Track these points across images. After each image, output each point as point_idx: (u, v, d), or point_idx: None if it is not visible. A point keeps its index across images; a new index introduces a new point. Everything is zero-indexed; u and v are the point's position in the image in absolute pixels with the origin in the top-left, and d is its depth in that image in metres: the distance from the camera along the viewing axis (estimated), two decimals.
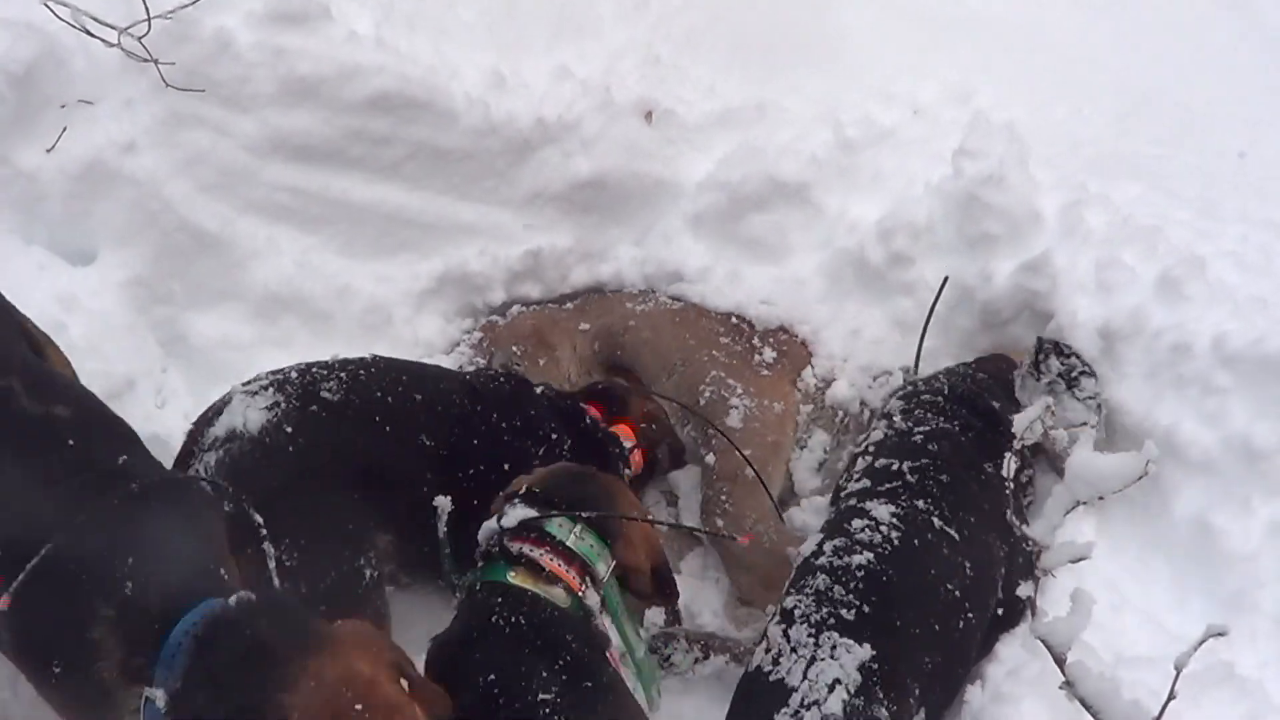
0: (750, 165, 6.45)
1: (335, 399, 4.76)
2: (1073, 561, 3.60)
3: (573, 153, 6.39)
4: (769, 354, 6.11)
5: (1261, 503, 5.13)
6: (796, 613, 4.41)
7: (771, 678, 4.27)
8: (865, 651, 4.20)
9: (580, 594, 4.28)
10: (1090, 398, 5.49)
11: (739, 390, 5.90)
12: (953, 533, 4.66)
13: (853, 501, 4.88)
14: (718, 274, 6.38)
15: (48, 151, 5.92)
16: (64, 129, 5.96)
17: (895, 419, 5.28)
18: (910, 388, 5.59)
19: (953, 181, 6.22)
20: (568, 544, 4.34)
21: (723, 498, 5.71)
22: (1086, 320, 5.78)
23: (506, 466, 4.97)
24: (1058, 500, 3.56)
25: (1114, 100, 7.49)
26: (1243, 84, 7.75)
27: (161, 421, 5.34)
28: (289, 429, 4.59)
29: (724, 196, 6.45)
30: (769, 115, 6.85)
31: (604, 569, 4.40)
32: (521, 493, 4.51)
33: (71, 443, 3.89)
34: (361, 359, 5.08)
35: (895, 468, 4.93)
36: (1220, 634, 3.46)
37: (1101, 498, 3.59)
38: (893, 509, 4.72)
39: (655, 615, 5.48)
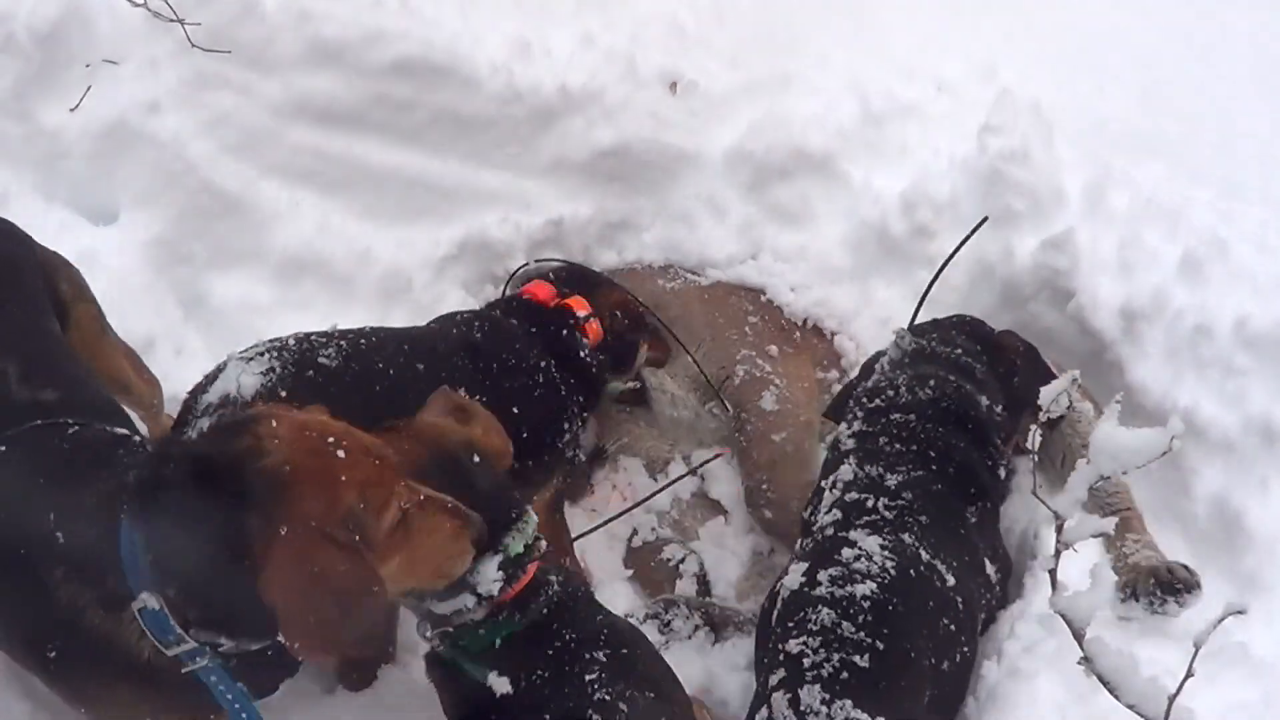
0: (775, 135, 6.44)
1: (333, 365, 4.53)
2: (1094, 537, 3.58)
3: (596, 122, 6.36)
4: (796, 334, 6.12)
5: None
6: (806, 662, 4.12)
7: None
8: None
9: None
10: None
11: (769, 369, 5.90)
12: (941, 568, 4.48)
13: (831, 531, 4.61)
14: (744, 248, 6.38)
15: (71, 110, 5.96)
16: (88, 88, 5.99)
17: (864, 459, 4.88)
18: (886, 395, 5.13)
19: (977, 157, 6.23)
20: None
21: (764, 487, 5.71)
22: (1108, 299, 5.79)
23: (515, 410, 4.84)
24: (1081, 474, 3.54)
25: (1138, 79, 7.47)
26: (1267, 65, 7.73)
27: (182, 382, 5.35)
28: (283, 394, 4.30)
29: (749, 165, 6.45)
30: (794, 87, 6.83)
31: None
32: None
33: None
34: (362, 329, 4.89)
35: (870, 504, 4.66)
36: (1239, 612, 3.44)
37: (1125, 472, 3.56)
38: (880, 540, 4.46)
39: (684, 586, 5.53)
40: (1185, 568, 4.94)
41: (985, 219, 5.94)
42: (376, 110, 6.21)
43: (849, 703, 3.98)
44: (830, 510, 4.72)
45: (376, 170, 6.22)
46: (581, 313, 5.53)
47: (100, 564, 3.43)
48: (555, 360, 5.25)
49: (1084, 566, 3.81)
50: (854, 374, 5.71)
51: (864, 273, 6.29)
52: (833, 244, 6.36)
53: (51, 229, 5.39)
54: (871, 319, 6.14)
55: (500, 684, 3.76)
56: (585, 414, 5.44)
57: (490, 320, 5.30)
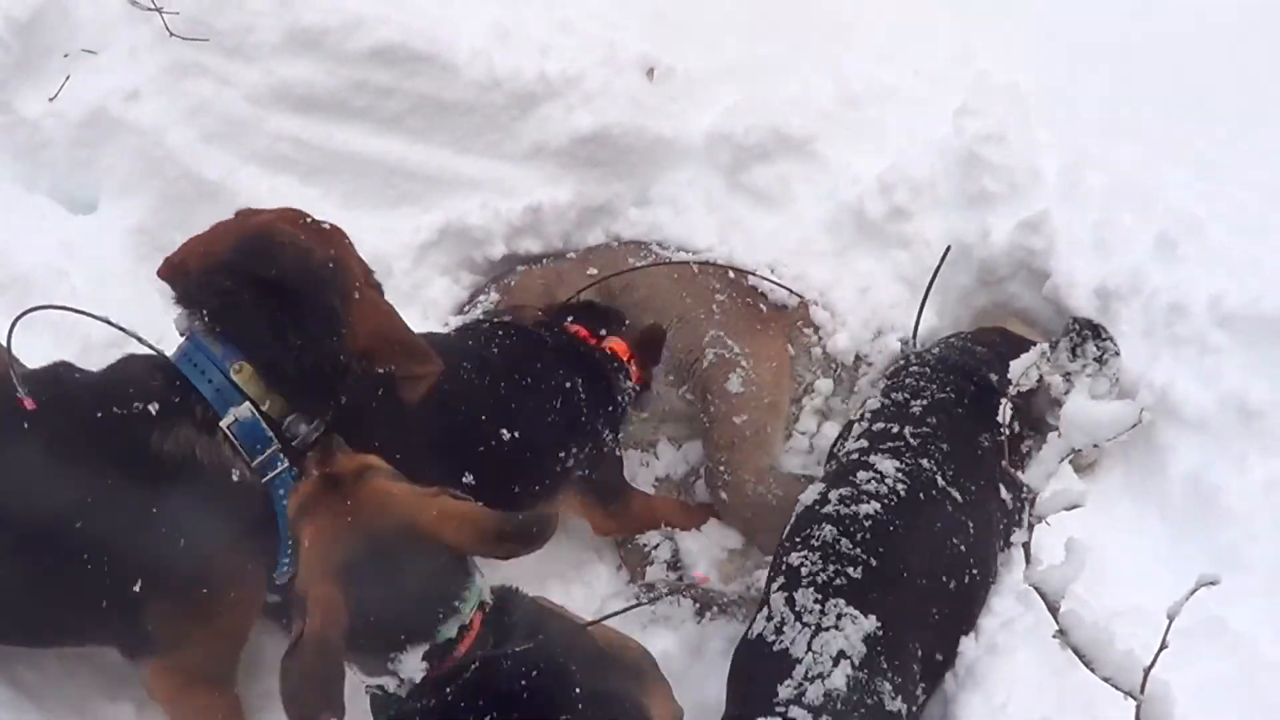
0: (754, 117, 6.46)
1: None
2: (1066, 509, 3.61)
3: (575, 107, 6.36)
4: (764, 309, 6.13)
5: (1257, 461, 5.16)
6: (803, 571, 4.39)
7: (775, 647, 4.25)
8: (871, 623, 4.20)
9: None
10: (1114, 374, 5.50)
11: (736, 350, 5.93)
12: (956, 493, 4.72)
13: (855, 456, 4.89)
14: (721, 229, 6.39)
15: (51, 100, 5.97)
16: (67, 77, 6.01)
17: (891, 392, 5.26)
18: (902, 361, 5.62)
19: (954, 139, 6.26)
20: None
21: (721, 468, 5.75)
22: (1084, 280, 5.82)
23: (518, 434, 4.98)
24: (1053, 447, 3.57)
25: (1115, 62, 7.47)
26: (1244, 49, 7.74)
27: None
28: None
29: (728, 147, 6.46)
30: (772, 70, 6.83)
31: None
32: None
33: None
34: None
35: (896, 430, 4.94)
36: (1212, 583, 3.47)
37: (1097, 445, 3.59)
38: (897, 464, 4.73)
39: (655, 571, 5.56)
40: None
41: (949, 248, 6.07)
42: (356, 97, 6.20)
43: (841, 601, 4.25)
44: (859, 439, 5.01)
45: (356, 157, 6.22)
46: (626, 359, 5.60)
47: (172, 394, 4.06)
48: (599, 399, 5.38)
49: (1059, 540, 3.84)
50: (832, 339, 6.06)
51: (842, 253, 6.30)
52: (811, 225, 6.37)
53: (31, 218, 5.44)
54: (851, 289, 6.19)
55: None
56: (608, 447, 5.49)
57: (517, 330, 5.39)
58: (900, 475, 4.69)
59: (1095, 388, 5.36)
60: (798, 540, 4.56)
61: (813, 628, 4.22)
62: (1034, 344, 5.49)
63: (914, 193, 6.19)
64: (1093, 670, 3.53)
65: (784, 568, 4.50)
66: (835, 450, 5.26)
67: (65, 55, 6.08)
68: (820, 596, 4.29)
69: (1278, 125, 6.97)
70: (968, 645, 4.51)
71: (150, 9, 5.99)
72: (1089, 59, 7.37)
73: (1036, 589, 3.58)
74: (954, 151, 6.25)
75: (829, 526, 4.51)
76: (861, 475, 4.71)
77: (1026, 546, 3.68)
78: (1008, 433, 4.02)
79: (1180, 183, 6.30)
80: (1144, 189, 6.15)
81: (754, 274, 6.11)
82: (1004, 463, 4.03)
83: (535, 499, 5.13)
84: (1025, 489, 3.67)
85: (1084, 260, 5.88)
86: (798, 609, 4.29)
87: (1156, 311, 5.62)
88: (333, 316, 4.15)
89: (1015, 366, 3.87)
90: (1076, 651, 3.54)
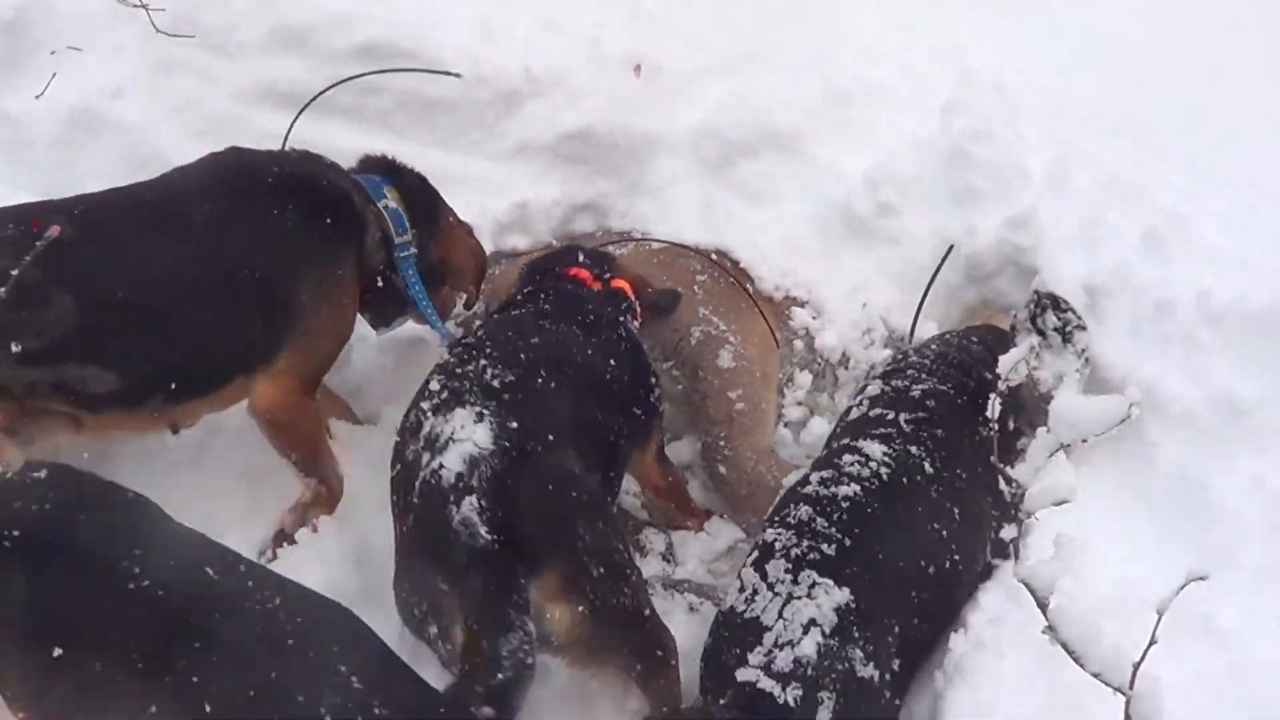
0: (741, 113, 6.49)
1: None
2: (1055, 504, 3.61)
3: (560, 105, 6.38)
4: (749, 289, 6.17)
5: (1244, 458, 5.16)
6: (776, 545, 4.41)
7: (746, 615, 4.26)
8: (843, 594, 4.20)
9: None
10: (1081, 351, 5.49)
11: (723, 327, 5.96)
12: (944, 479, 4.71)
13: (846, 440, 4.90)
14: (708, 224, 6.39)
15: (36, 97, 5.97)
16: (53, 75, 6.01)
17: (891, 378, 5.25)
18: (902, 355, 5.59)
19: (941, 136, 6.27)
20: None
21: (720, 443, 5.78)
22: (1070, 276, 5.82)
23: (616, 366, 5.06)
24: (1041, 443, 3.58)
25: (1102, 60, 7.49)
26: (1232, 47, 7.75)
27: None
28: None
29: (715, 143, 6.48)
30: (759, 67, 6.83)
31: None
32: None
33: None
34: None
35: (891, 417, 4.94)
36: (1201, 578, 3.48)
37: (1085, 440, 3.59)
38: (885, 448, 4.74)
39: (654, 564, 5.56)
40: None
41: (951, 248, 6.10)
42: (341, 95, 6.20)
43: (814, 573, 4.24)
44: (853, 424, 5.04)
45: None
46: (632, 297, 5.60)
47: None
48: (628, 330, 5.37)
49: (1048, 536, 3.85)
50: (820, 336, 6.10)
51: (830, 250, 6.29)
52: (798, 222, 6.37)
53: None
54: (839, 286, 6.22)
55: None
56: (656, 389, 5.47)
57: (558, 291, 5.38)
58: (886, 459, 4.69)
59: (1062, 362, 5.36)
60: (775, 519, 4.58)
61: (784, 596, 4.22)
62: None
63: (901, 190, 6.20)
64: (1082, 666, 3.54)
65: (759, 544, 4.53)
66: (833, 434, 5.25)
67: (51, 53, 6.08)
68: (792, 567, 4.30)
69: (1265, 123, 7.00)
70: (957, 641, 4.50)
71: (136, 5, 6.00)
72: (1076, 57, 7.40)
73: (1025, 584, 3.58)
74: (941, 149, 6.27)
75: (806, 506, 4.52)
76: (847, 458, 4.71)
77: (1015, 542, 3.68)
78: (996, 428, 4.02)
79: (1168, 180, 6.33)
80: (1131, 186, 6.17)
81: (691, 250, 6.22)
82: (992, 458, 4.01)
83: (637, 444, 5.23)
84: (1015, 484, 3.67)
85: (1071, 257, 5.89)
86: (770, 580, 4.30)
87: (1144, 308, 5.62)
88: (435, 216, 5.59)
89: (1004, 361, 3.87)
90: (1065, 647, 3.55)
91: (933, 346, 5.51)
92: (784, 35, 7.09)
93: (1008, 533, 3.85)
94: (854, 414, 5.16)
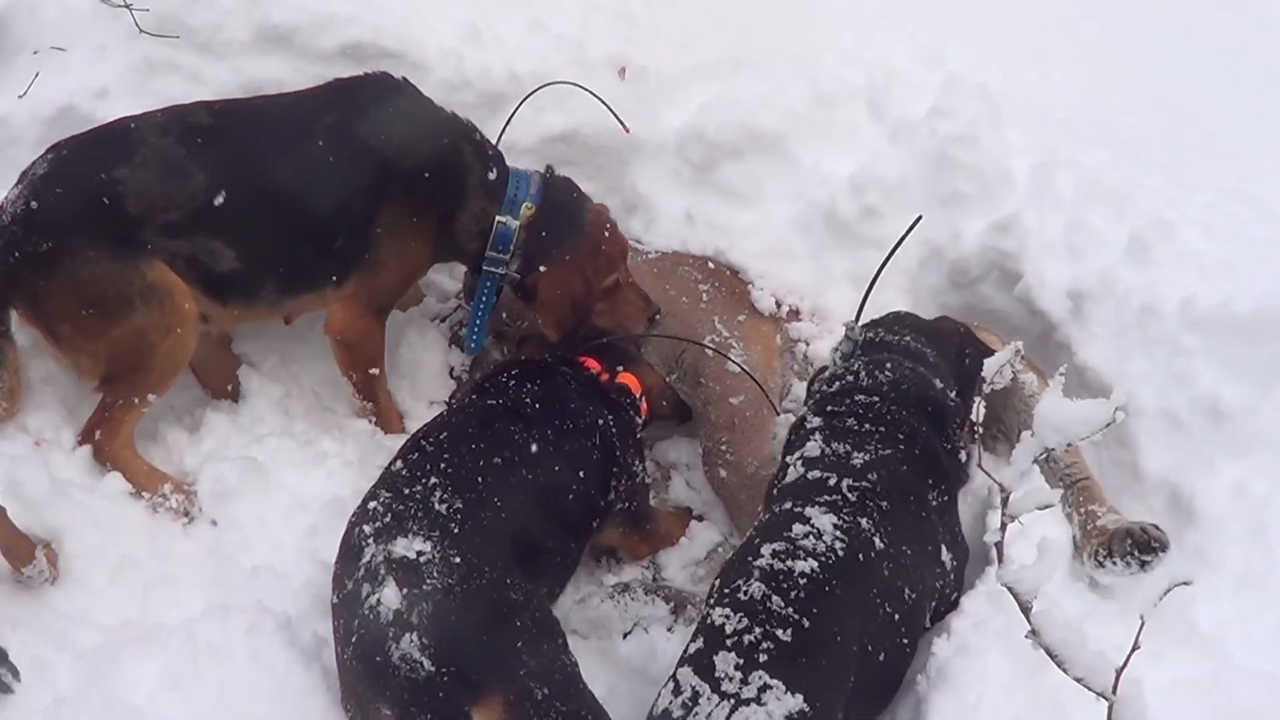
0: (726, 115, 6.47)
1: None
2: (1039, 509, 3.60)
3: (545, 107, 6.36)
4: (749, 297, 6.19)
5: (1227, 463, 5.18)
6: (727, 630, 4.12)
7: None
8: (796, 702, 3.92)
9: None
10: None
11: (726, 334, 5.97)
12: (894, 555, 4.48)
13: (789, 505, 4.62)
14: (693, 226, 6.42)
15: (20, 97, 5.98)
16: (36, 75, 6.01)
17: (832, 440, 4.89)
18: (847, 380, 5.18)
19: (925, 140, 6.28)
20: None
21: (723, 447, 5.78)
22: (1055, 281, 5.86)
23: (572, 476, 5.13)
24: (1026, 446, 3.57)
25: (1087, 67, 7.52)
26: (1214, 53, 7.79)
27: None
28: None
29: (699, 144, 6.46)
30: (744, 71, 6.82)
31: None
32: None
33: None
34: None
35: (833, 483, 4.65)
36: (1185, 583, 3.47)
37: (1070, 444, 3.59)
38: (835, 520, 4.45)
39: (631, 570, 5.55)
40: (1155, 526, 5.01)
41: (919, 218, 5.99)
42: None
43: (764, 674, 3.97)
44: (795, 485, 4.75)
45: None
46: (638, 393, 5.69)
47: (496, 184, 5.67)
48: (624, 432, 5.45)
49: (1031, 540, 3.84)
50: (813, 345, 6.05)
51: (813, 253, 6.29)
52: (782, 225, 6.37)
53: None
54: (823, 290, 6.24)
55: None
56: (639, 477, 5.55)
57: (543, 370, 5.53)
58: (839, 534, 4.39)
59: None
60: (724, 594, 4.29)
61: (732, 701, 3.95)
62: (926, 320, 5.48)
63: (885, 193, 6.20)
64: (1065, 671, 3.52)
65: (704, 626, 4.27)
66: (770, 491, 5.00)
67: (34, 52, 6.07)
68: (742, 662, 4.02)
69: (1249, 130, 7.03)
70: (940, 646, 4.50)
71: (119, 5, 5.98)
72: (1061, 62, 7.43)
73: (1008, 589, 3.57)
74: (925, 153, 6.28)
75: (758, 583, 4.23)
76: (798, 529, 4.43)
77: (999, 546, 3.67)
78: (980, 431, 4.00)
79: (1152, 185, 6.36)
80: (1116, 191, 6.18)
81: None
82: (977, 464, 3.99)
83: (590, 534, 5.30)
84: (999, 487, 3.65)
85: (1055, 262, 5.92)
86: (716, 676, 4.01)
87: (1128, 313, 5.64)
88: (551, 250, 5.71)
89: (989, 365, 3.84)
90: (1049, 652, 3.53)
91: (886, 372, 5.12)
92: (769, 38, 7.09)
93: (990, 537, 3.83)
94: (791, 475, 4.86)
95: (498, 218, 5.63)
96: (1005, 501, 3.61)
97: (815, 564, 4.27)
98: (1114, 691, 3.45)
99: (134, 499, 5.24)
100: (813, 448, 4.87)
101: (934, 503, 4.80)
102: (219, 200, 5.23)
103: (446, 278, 6.49)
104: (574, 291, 5.72)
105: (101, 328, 5.16)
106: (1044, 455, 3.62)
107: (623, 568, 5.60)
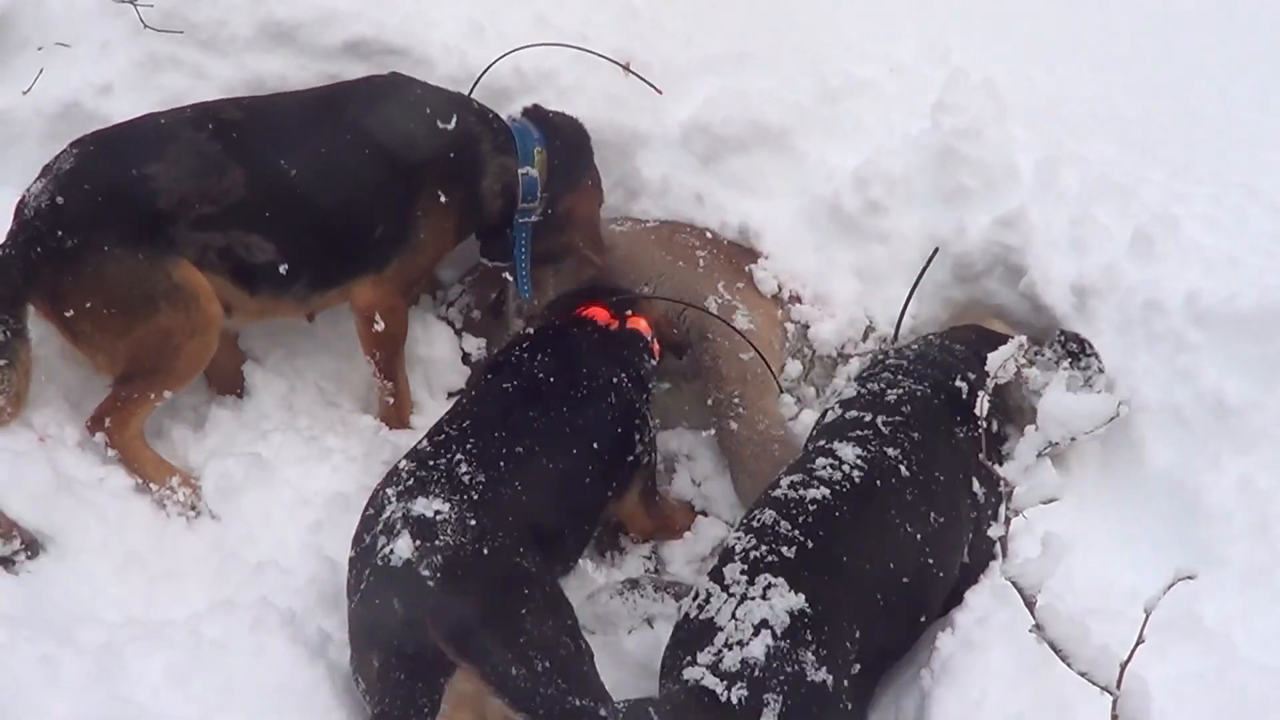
0: (732, 108, 6.48)
1: None
2: (1044, 503, 3.59)
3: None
4: (747, 268, 6.22)
5: (1231, 459, 5.17)
6: (736, 549, 4.39)
7: (700, 618, 4.26)
8: (797, 599, 4.17)
9: None
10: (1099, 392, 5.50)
11: (728, 296, 6.04)
12: (921, 481, 4.70)
13: (821, 443, 4.88)
14: (698, 218, 6.43)
15: (24, 93, 5.98)
16: (41, 70, 6.01)
17: (868, 382, 5.25)
18: (881, 356, 5.59)
19: (930, 134, 6.27)
20: None
21: (735, 400, 5.83)
22: (1060, 276, 5.85)
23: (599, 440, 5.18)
24: (1030, 441, 3.56)
25: (1091, 62, 7.51)
26: (1220, 48, 7.77)
27: None
28: None
29: (705, 137, 6.48)
30: (749, 65, 6.83)
31: None
32: None
33: None
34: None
35: (868, 419, 4.91)
36: (1189, 577, 3.47)
37: (1074, 439, 3.58)
38: (859, 451, 4.72)
39: (636, 566, 5.55)
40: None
41: (936, 250, 6.10)
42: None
43: (769, 575, 4.23)
44: (828, 427, 5.03)
45: None
46: (648, 335, 5.72)
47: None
48: (637, 384, 5.50)
49: (1035, 535, 3.84)
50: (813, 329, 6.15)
51: (818, 246, 6.29)
52: (787, 218, 6.37)
53: (3, 210, 5.37)
54: (830, 283, 6.24)
55: None
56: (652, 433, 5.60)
57: (555, 334, 5.59)
58: (859, 462, 4.67)
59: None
60: (743, 523, 4.58)
61: (738, 597, 4.21)
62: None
63: (890, 188, 6.19)
64: (1069, 665, 3.52)
65: (721, 549, 4.53)
66: (810, 438, 5.23)
67: (39, 48, 6.07)
68: (748, 569, 4.28)
69: (1253, 125, 7.02)
70: (944, 640, 4.49)
71: (124, 1, 5.98)
72: (1066, 57, 7.41)
73: (1013, 583, 3.57)
74: (930, 147, 6.27)
75: (770, 510, 4.51)
76: (820, 461, 4.70)
77: (1003, 540, 3.66)
78: (984, 427, 4.00)
79: (1157, 180, 6.35)
80: (1120, 186, 6.18)
81: None
82: (980, 456, 3.99)
83: (613, 498, 5.35)
84: (1002, 482, 3.65)
85: (1060, 257, 5.91)
86: (726, 580, 4.29)
87: (1133, 308, 5.64)
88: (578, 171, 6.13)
89: (993, 359, 3.84)
90: (1053, 646, 3.53)
91: (913, 347, 5.53)
92: (774, 33, 7.10)
93: (993, 530, 3.83)
94: (829, 417, 5.16)
95: (520, 170, 5.91)
96: (1009, 495, 3.61)
97: (827, 491, 4.55)
98: (1118, 686, 3.44)
99: (139, 495, 5.24)
100: (849, 391, 5.23)
101: (963, 435, 4.99)
102: (258, 193, 5.33)
103: (444, 273, 6.48)
104: (599, 204, 6.24)
105: (124, 327, 5.18)
106: (1048, 451, 3.62)
107: (627, 562, 5.60)
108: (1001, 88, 6.53)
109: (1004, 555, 3.68)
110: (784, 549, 4.33)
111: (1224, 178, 6.49)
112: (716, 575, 4.35)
